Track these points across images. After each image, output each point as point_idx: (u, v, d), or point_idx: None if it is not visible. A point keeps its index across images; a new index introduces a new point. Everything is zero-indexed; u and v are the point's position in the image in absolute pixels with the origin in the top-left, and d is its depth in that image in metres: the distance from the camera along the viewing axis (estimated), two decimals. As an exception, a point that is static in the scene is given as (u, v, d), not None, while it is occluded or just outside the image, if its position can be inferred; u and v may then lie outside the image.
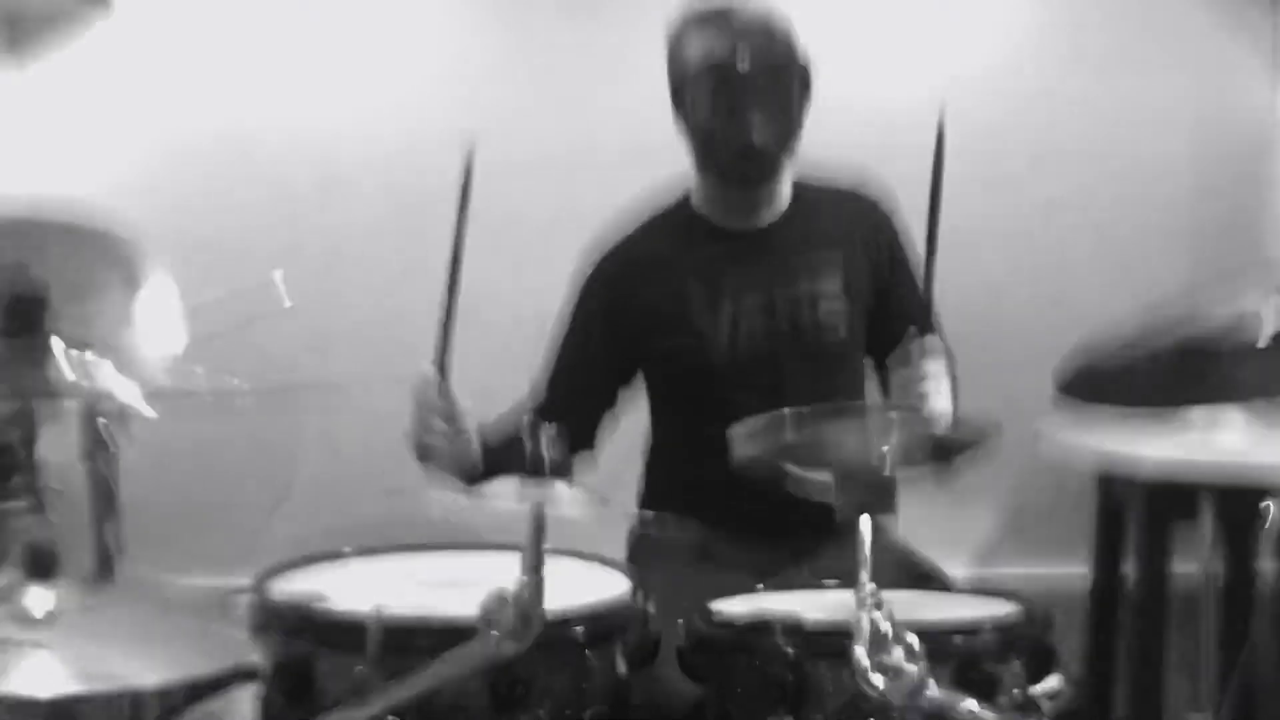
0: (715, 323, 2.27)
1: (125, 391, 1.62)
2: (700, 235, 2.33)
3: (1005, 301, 3.13)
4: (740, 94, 2.20)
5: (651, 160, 2.32)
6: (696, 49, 2.24)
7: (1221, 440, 1.96)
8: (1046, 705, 1.73)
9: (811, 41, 2.58)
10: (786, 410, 1.50)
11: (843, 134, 3.02)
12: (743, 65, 2.20)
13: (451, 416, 2.08)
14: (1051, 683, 1.73)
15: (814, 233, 2.35)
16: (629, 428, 2.42)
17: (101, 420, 2.06)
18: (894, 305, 2.36)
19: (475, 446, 2.12)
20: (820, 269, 2.31)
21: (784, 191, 2.35)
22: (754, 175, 2.28)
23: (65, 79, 3.04)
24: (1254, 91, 3.12)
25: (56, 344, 1.70)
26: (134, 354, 1.91)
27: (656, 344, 2.31)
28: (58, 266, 1.82)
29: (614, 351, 2.32)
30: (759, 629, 1.62)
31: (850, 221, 2.38)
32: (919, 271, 2.37)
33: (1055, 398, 1.71)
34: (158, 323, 2.02)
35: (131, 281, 2.04)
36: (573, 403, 2.28)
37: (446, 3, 3.07)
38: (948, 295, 3.02)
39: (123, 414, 2.07)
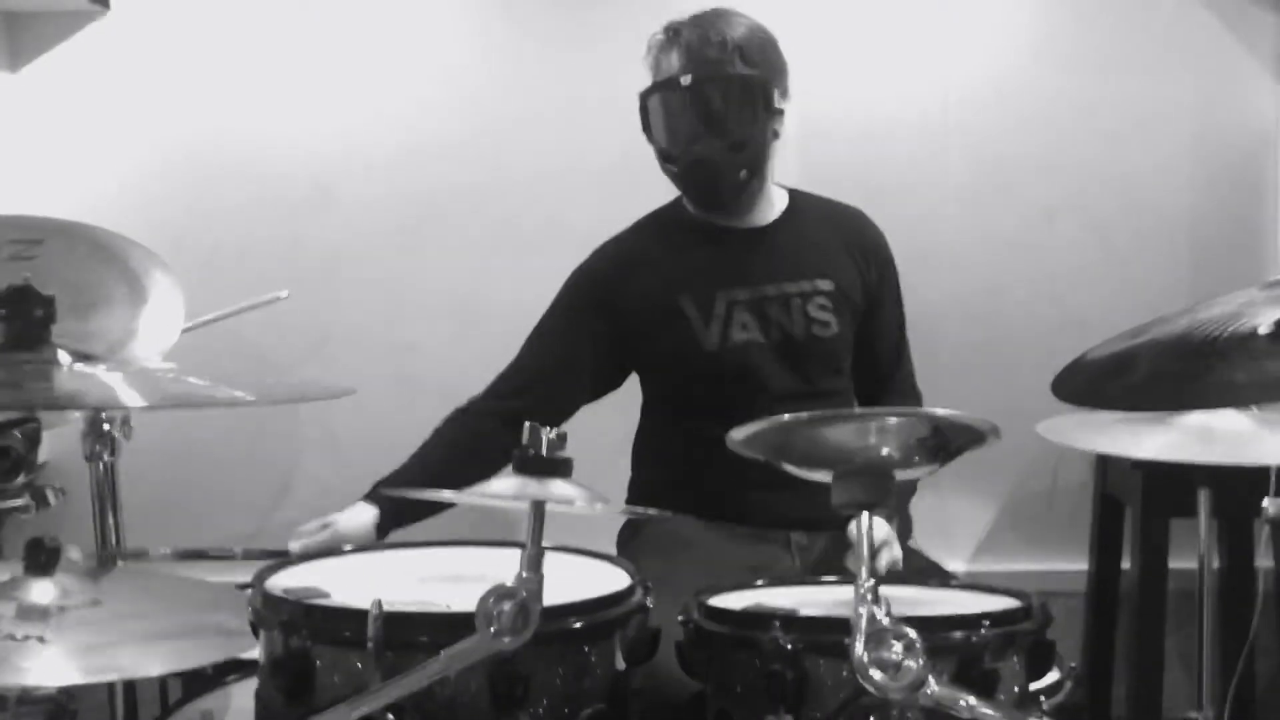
0: (706, 318, 2.27)
1: (129, 398, 1.62)
2: (693, 234, 2.34)
3: (1006, 304, 3.13)
4: (681, 109, 2.21)
5: (647, 171, 2.31)
6: (649, 70, 2.27)
7: (1220, 437, 1.97)
8: (1046, 701, 1.73)
9: (813, 49, 2.59)
10: (786, 416, 1.50)
11: (845, 141, 3.05)
12: (684, 79, 2.20)
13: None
14: (1051, 679, 1.74)
15: (808, 236, 2.35)
16: (620, 422, 2.43)
17: (104, 421, 2.07)
18: (875, 326, 2.37)
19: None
20: (812, 269, 2.32)
21: (775, 196, 2.36)
22: (710, 190, 2.27)
23: (64, 85, 3.05)
24: (1256, 97, 3.12)
25: (62, 357, 1.70)
26: (138, 363, 1.91)
27: (648, 340, 2.31)
28: (63, 278, 1.82)
29: (601, 348, 2.32)
30: (758, 624, 1.61)
31: (845, 233, 2.39)
32: (899, 305, 2.40)
33: (1054, 400, 1.71)
34: (162, 331, 2.03)
35: (137, 291, 2.04)
36: (545, 393, 2.27)
37: (446, 13, 3.08)
38: (950, 297, 3.05)
39: (125, 416, 2.08)
